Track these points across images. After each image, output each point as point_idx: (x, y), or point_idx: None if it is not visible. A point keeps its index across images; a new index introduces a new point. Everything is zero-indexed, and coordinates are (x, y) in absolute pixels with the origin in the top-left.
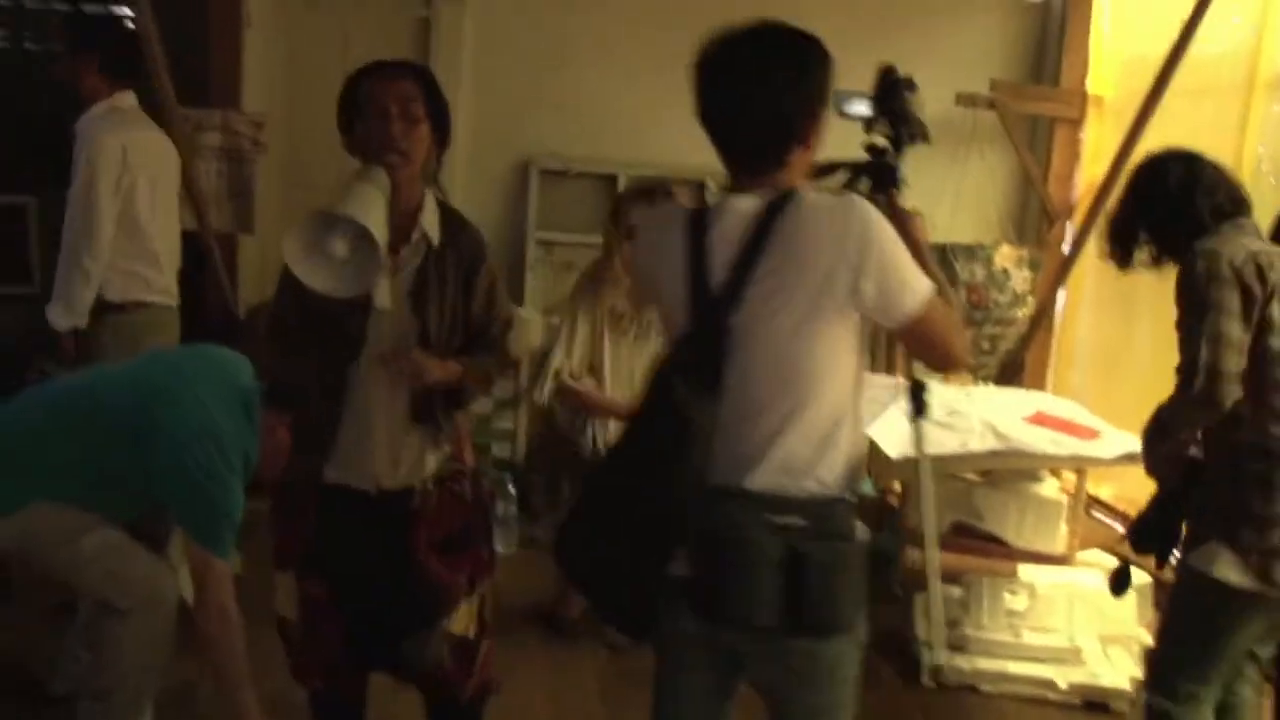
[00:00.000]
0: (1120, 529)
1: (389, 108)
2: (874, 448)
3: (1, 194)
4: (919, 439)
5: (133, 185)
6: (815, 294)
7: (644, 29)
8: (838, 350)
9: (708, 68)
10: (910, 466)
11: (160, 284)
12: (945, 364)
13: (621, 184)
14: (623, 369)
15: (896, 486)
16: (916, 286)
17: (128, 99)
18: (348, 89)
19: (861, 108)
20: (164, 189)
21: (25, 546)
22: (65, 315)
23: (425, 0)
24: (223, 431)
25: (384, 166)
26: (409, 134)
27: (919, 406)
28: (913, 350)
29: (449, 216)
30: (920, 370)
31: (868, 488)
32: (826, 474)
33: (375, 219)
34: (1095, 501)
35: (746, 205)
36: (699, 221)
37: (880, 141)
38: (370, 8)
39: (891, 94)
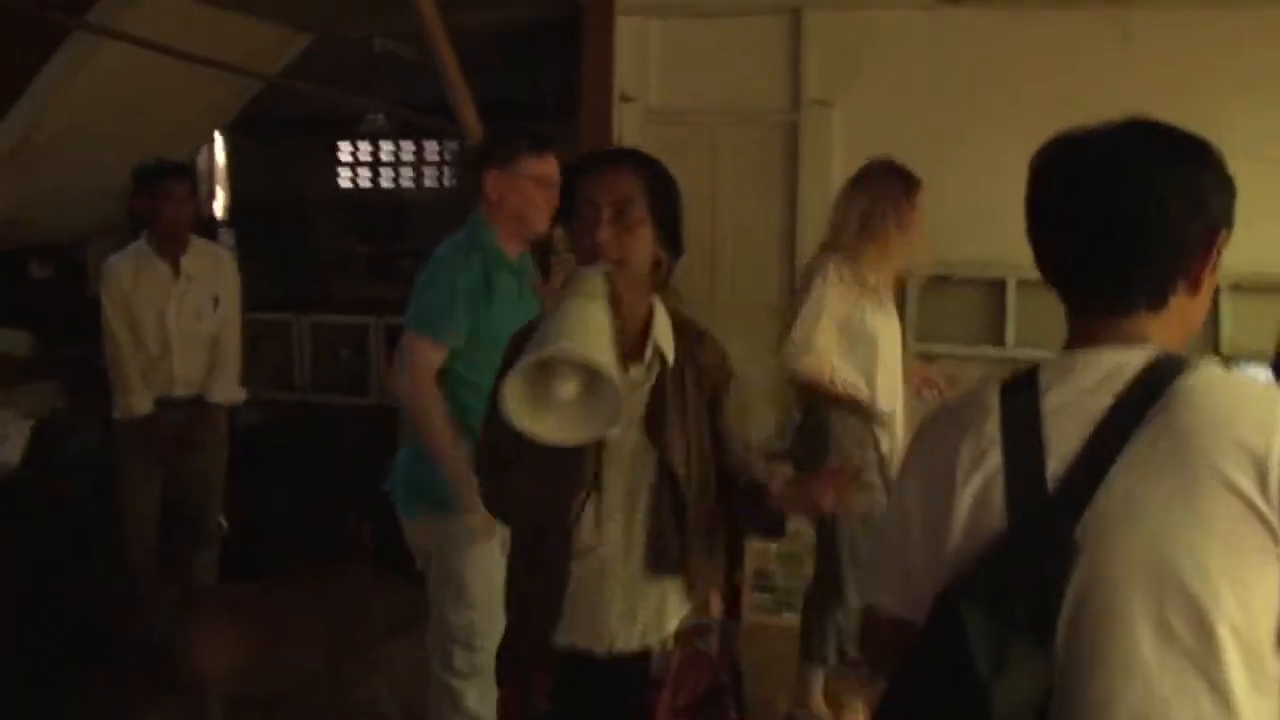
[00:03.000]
0: None
1: (601, 209)
2: None
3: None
4: None
5: None
6: (1212, 509)
7: (1023, 124)
8: (1251, 594)
9: (1056, 170)
10: None
11: None
12: None
13: (1010, 290)
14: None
15: None
16: None
17: None
18: (566, 181)
19: None
20: None
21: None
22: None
23: (793, 104)
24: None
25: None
26: (622, 239)
27: None
28: None
29: (685, 328)
30: None
31: None
32: None
33: (600, 344)
34: None
35: (1106, 365)
36: (1027, 388)
37: None
38: (737, 116)
39: None
